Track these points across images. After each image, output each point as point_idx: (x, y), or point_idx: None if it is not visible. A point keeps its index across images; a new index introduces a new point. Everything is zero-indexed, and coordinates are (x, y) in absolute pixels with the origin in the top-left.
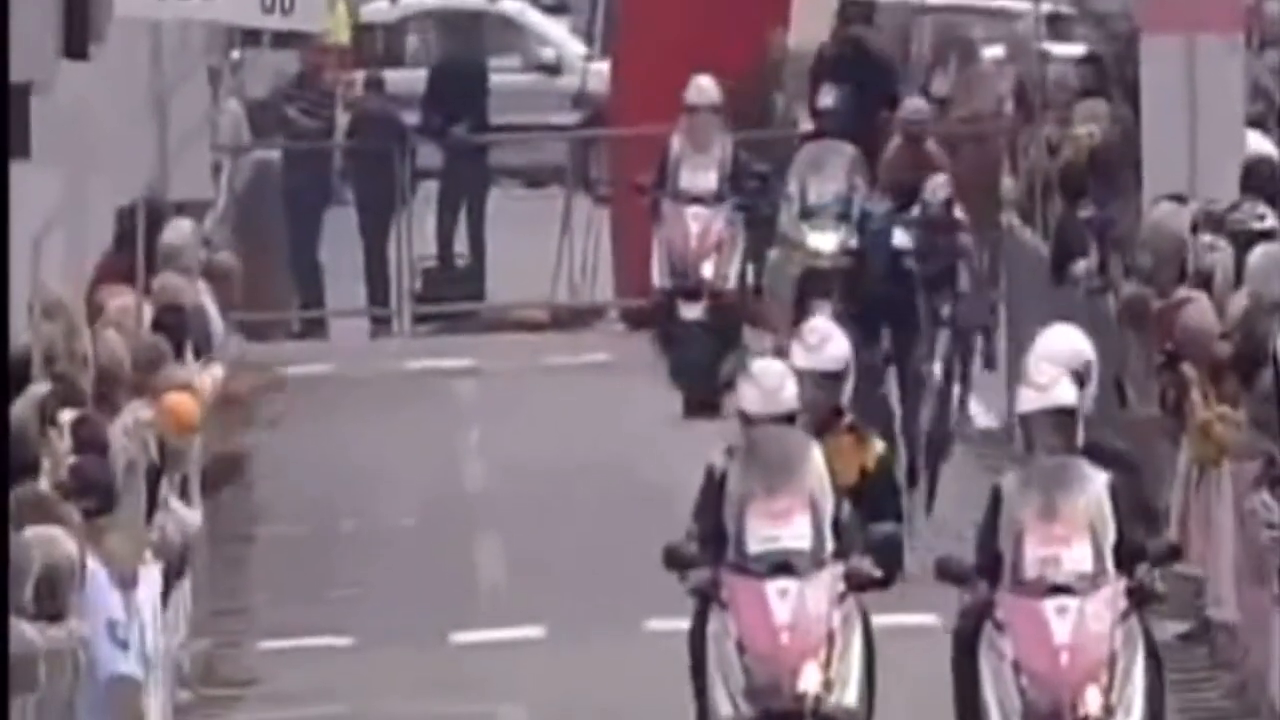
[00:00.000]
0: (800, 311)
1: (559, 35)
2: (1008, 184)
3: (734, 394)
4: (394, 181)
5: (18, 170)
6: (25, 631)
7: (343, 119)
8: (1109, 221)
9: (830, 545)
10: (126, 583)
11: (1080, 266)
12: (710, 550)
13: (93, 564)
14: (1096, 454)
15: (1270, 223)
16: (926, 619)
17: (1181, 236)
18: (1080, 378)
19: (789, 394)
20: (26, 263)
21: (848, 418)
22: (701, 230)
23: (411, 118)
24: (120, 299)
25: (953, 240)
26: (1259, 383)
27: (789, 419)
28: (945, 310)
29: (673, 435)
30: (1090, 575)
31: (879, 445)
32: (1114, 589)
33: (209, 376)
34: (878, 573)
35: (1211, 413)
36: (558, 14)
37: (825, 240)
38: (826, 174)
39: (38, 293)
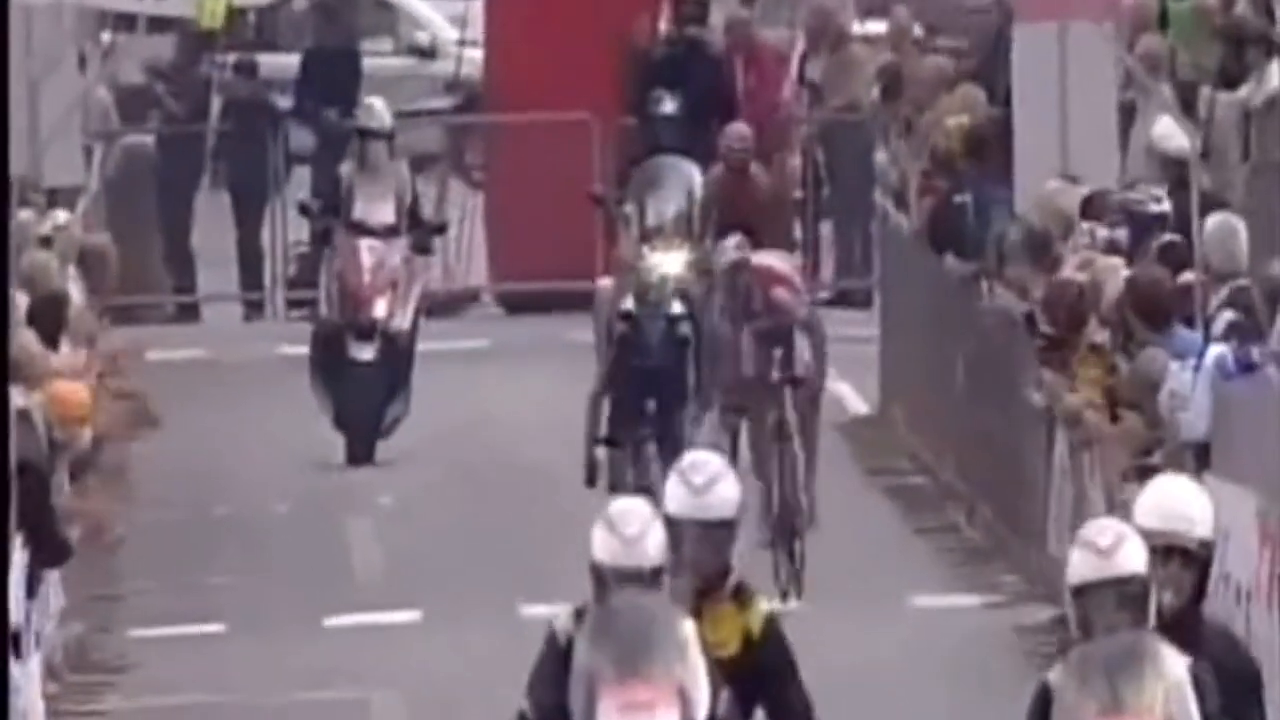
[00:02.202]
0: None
1: (433, 19)
2: (881, 159)
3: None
4: (267, 166)
5: None
6: None
7: (216, 103)
8: (982, 208)
9: None
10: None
11: (953, 255)
12: None
13: None
14: (1199, 645)
15: (1166, 206)
16: (792, 603)
17: (1070, 214)
18: (1187, 556)
19: (654, 545)
20: None
21: (734, 578)
22: (375, 265)
23: (285, 102)
24: None
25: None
26: (1139, 367)
27: (653, 576)
28: (779, 372)
29: (552, 421)
30: None
31: (764, 605)
32: None
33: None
34: None
35: (1080, 399)
36: None
37: (670, 262)
38: (665, 192)
39: None
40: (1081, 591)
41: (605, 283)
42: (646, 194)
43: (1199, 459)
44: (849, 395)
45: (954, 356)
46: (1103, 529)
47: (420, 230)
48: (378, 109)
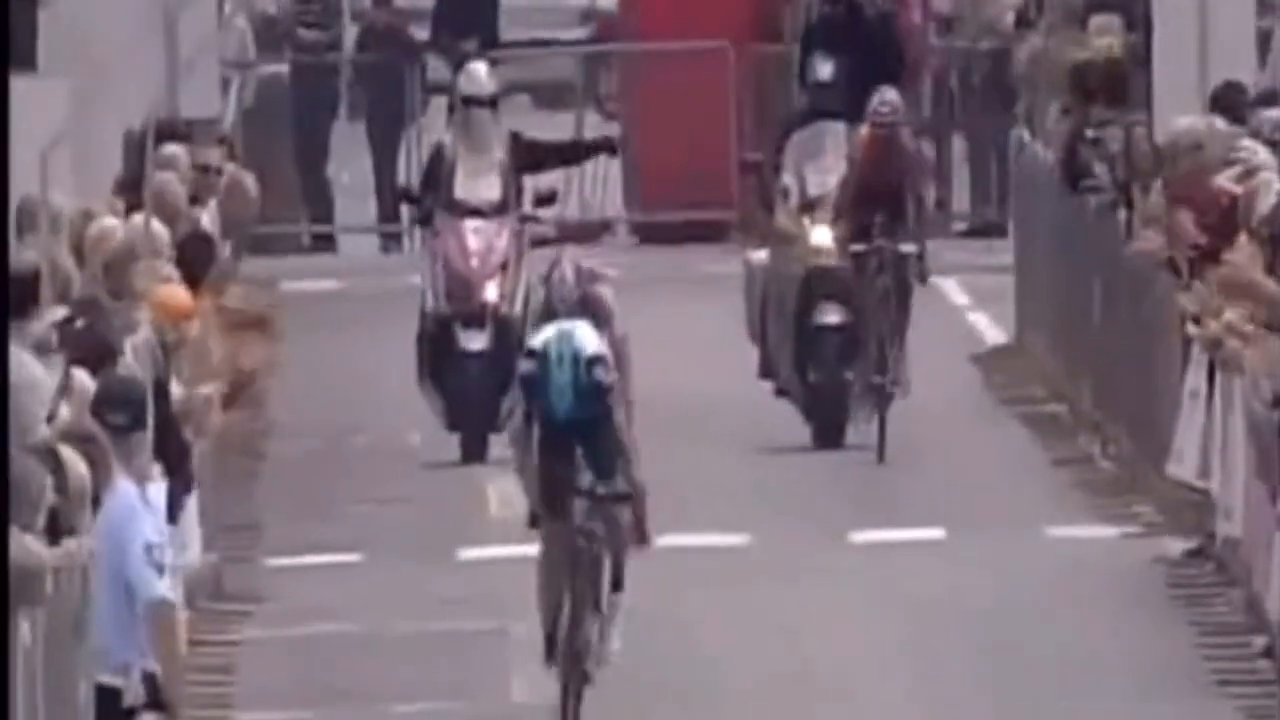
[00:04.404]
0: (803, 319)
1: None
2: (1016, 88)
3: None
4: (404, 97)
5: (25, 83)
6: (31, 545)
7: (351, 33)
8: (1121, 135)
9: None
10: (150, 501)
11: (1092, 181)
12: None
13: (124, 484)
14: None
15: None
16: (933, 533)
17: (1217, 142)
18: None
19: None
20: (34, 177)
21: None
22: (483, 248)
23: (421, 32)
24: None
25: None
26: None
27: None
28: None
29: (686, 351)
30: None
31: None
32: None
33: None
34: None
35: (1220, 324)
36: None
37: (820, 234)
38: (825, 161)
39: (44, 207)
40: None
41: (759, 255)
42: (806, 163)
43: None
44: (986, 325)
45: (1090, 286)
46: None
47: (532, 202)
48: (481, 75)
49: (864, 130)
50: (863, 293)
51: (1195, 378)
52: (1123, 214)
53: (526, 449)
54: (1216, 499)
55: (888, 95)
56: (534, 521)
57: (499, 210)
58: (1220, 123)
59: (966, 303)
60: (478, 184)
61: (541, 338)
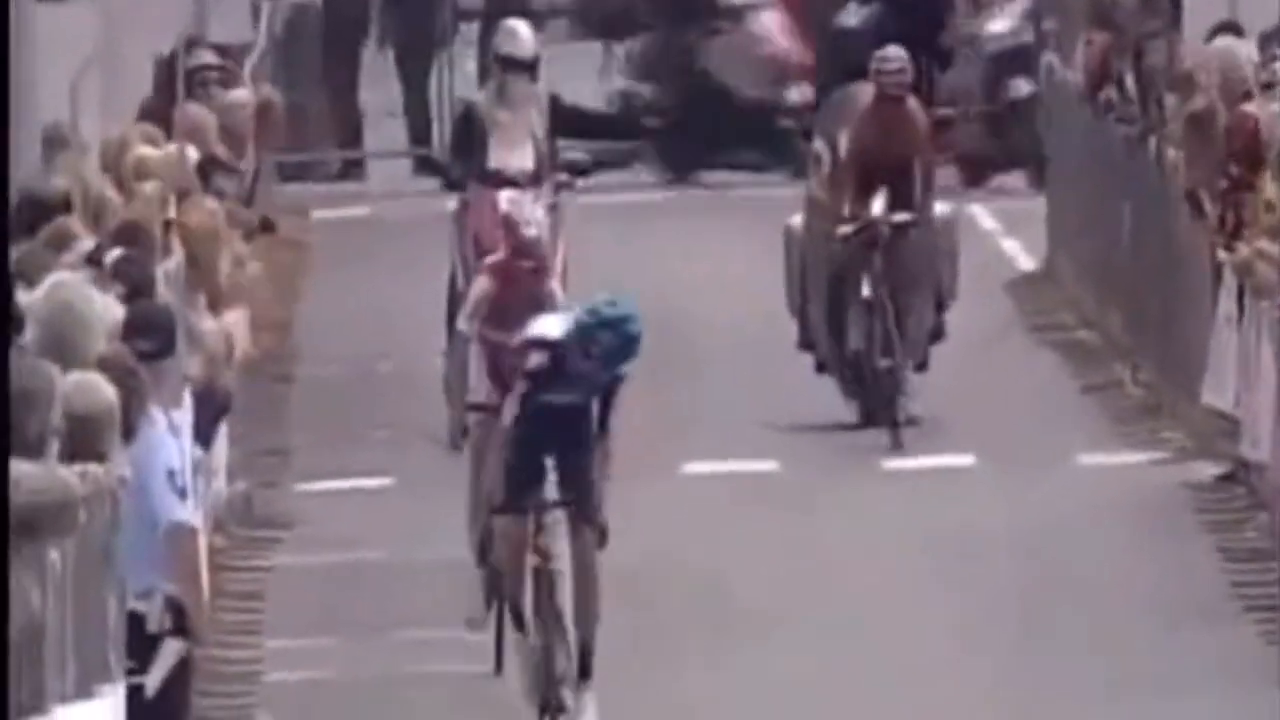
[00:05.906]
0: (837, 289)
1: None
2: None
3: None
4: (434, 22)
5: (55, 9)
6: (61, 474)
7: None
8: (1144, 52)
9: None
10: (176, 428)
11: (1109, 93)
12: None
13: (153, 411)
14: None
15: None
16: (963, 460)
17: (1243, 67)
18: None
19: None
20: (64, 103)
21: None
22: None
23: None
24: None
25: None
26: None
27: None
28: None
29: (713, 274)
30: None
31: None
32: None
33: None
34: None
35: (1252, 249)
36: None
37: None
38: None
39: (73, 134)
40: None
41: (795, 220)
42: (838, 127)
43: None
44: (1017, 251)
45: (1121, 212)
46: None
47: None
48: (523, 33)
49: (868, 90)
50: (858, 273)
51: (1227, 303)
52: (1153, 140)
53: (497, 457)
54: (1244, 424)
55: (894, 52)
56: (483, 557)
57: (534, 180)
58: (1251, 48)
59: (997, 228)
60: (511, 154)
61: (559, 327)
